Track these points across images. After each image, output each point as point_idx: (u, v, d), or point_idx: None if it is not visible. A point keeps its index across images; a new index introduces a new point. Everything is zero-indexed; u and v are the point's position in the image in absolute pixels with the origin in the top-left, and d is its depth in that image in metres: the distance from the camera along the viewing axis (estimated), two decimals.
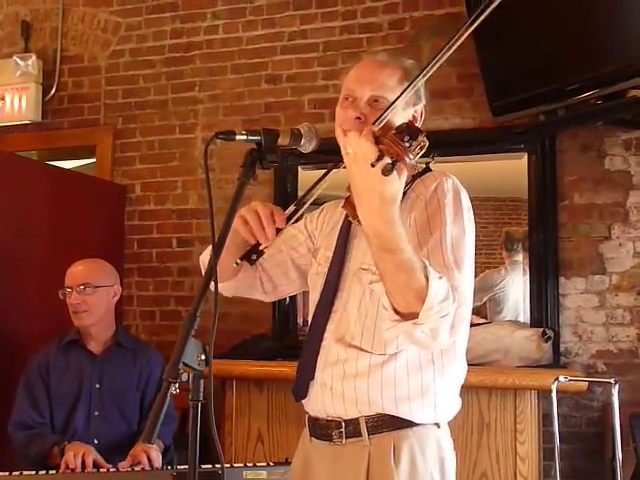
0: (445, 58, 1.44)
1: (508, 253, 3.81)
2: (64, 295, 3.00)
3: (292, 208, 1.76)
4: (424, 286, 1.43)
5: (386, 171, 1.35)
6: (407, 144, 1.38)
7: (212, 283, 1.42)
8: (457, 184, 1.69)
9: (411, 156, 1.38)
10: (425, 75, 1.48)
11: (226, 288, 1.90)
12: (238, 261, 1.73)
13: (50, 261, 3.60)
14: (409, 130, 1.41)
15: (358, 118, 1.67)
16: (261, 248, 1.72)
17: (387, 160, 1.36)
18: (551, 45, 3.32)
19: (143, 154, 4.35)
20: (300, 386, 1.79)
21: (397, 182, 1.38)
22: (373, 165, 1.36)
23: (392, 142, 1.38)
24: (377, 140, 1.39)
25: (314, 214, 2.02)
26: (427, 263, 1.46)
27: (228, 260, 1.73)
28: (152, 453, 2.72)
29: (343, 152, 1.47)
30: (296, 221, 1.84)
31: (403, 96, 1.55)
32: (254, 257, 1.74)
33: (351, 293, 1.73)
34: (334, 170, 1.75)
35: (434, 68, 1.46)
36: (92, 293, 2.98)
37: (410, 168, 1.44)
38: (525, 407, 3.04)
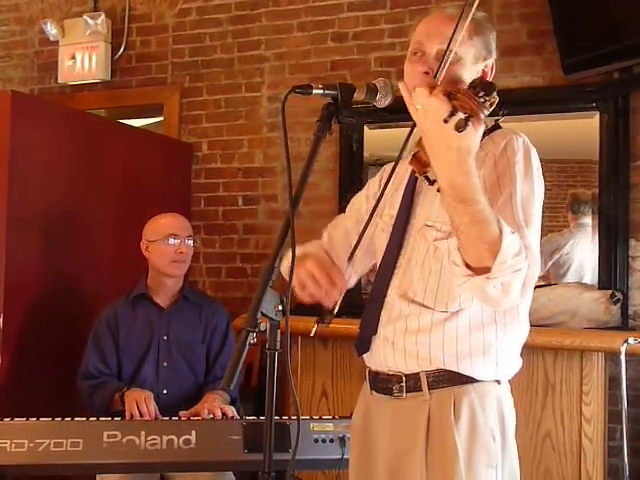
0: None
1: (574, 215, 3.75)
2: (168, 242, 3.02)
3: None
4: (497, 239, 1.42)
5: (459, 127, 1.34)
6: (482, 99, 1.37)
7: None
8: (527, 142, 1.67)
9: (485, 112, 1.37)
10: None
11: None
12: (315, 327, 1.75)
13: (119, 217, 3.69)
14: (483, 85, 1.40)
15: (426, 73, 1.66)
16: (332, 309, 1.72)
17: (460, 115, 1.35)
18: (626, 0, 3.22)
19: (209, 112, 4.39)
20: (363, 340, 1.82)
21: (473, 134, 1.38)
22: (446, 121, 1.36)
23: (467, 97, 1.37)
24: (450, 96, 1.39)
25: (375, 179, 2.03)
26: (500, 217, 1.46)
27: None
28: (216, 411, 2.73)
29: (411, 108, 1.45)
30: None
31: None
32: (327, 320, 1.73)
33: (415, 250, 1.74)
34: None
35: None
36: (193, 245, 3.10)
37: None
38: (592, 369, 3.01)
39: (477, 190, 1.43)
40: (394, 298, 1.75)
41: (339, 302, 1.72)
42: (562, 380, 3.05)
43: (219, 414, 2.73)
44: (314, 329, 1.74)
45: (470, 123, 1.35)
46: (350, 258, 1.79)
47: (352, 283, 2.08)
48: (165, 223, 3.08)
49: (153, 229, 3.08)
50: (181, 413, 2.75)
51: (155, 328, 3.05)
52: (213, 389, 2.92)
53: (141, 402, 2.72)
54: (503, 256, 1.42)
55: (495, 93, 1.41)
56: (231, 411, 2.77)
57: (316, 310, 1.75)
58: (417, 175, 1.65)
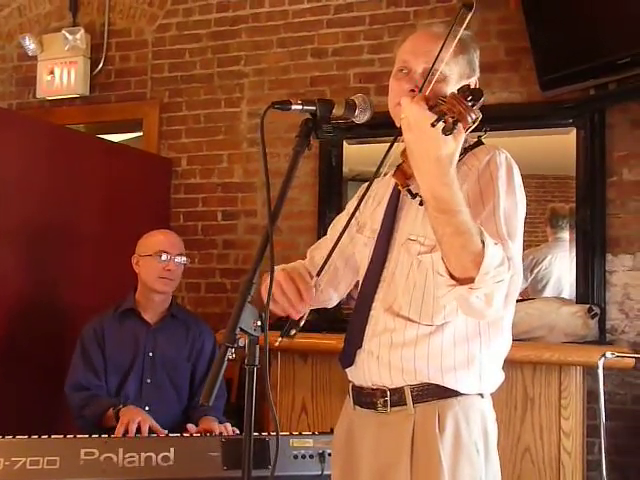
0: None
1: (552, 230, 3.78)
2: (158, 258, 3.03)
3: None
4: (480, 250, 1.44)
5: (447, 130, 1.36)
6: (470, 103, 1.39)
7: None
8: (510, 158, 1.69)
9: (473, 116, 1.39)
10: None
11: None
12: (279, 339, 1.73)
13: (98, 232, 3.67)
14: (472, 91, 1.42)
15: (412, 90, 1.68)
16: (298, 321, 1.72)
17: (448, 119, 1.37)
18: (602, 18, 3.26)
19: (189, 128, 4.39)
20: (347, 354, 1.81)
21: (452, 143, 1.40)
22: (433, 125, 1.37)
23: (455, 101, 1.39)
24: (439, 102, 1.41)
25: (353, 200, 2.03)
26: (482, 229, 1.47)
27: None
28: (228, 429, 2.75)
29: (400, 120, 1.48)
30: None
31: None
32: (292, 333, 1.73)
33: (399, 263, 1.74)
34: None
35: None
36: (183, 263, 3.11)
37: (469, 129, 1.44)
38: (570, 383, 3.02)
39: (459, 201, 1.45)
40: (379, 312, 1.75)
41: (306, 316, 1.72)
42: (541, 394, 3.06)
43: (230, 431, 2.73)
44: (279, 340, 1.73)
45: (457, 127, 1.36)
46: (319, 273, 1.78)
47: (334, 302, 2.08)
48: (157, 239, 3.10)
49: (145, 244, 3.10)
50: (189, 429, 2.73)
51: (141, 344, 3.03)
52: (205, 414, 2.90)
53: (132, 423, 2.65)
54: (486, 267, 1.43)
55: (482, 99, 1.43)
56: (226, 431, 2.75)
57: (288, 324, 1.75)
58: (400, 188, 1.66)
